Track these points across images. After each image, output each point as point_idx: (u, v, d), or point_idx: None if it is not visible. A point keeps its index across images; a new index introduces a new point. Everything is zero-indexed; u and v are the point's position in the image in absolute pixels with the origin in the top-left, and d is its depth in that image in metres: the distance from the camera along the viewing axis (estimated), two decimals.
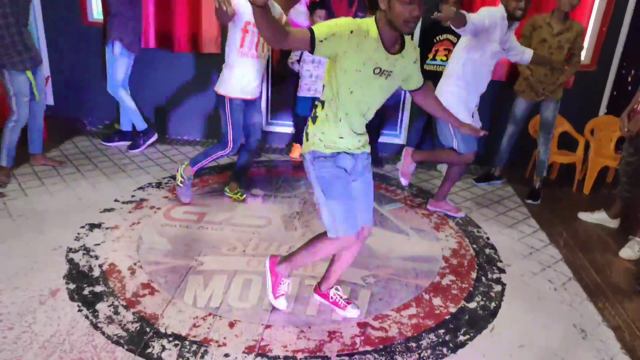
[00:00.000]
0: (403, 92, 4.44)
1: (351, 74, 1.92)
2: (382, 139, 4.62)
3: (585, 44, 4.25)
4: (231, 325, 2.32)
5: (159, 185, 3.78)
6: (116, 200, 3.47)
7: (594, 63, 4.32)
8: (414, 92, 2.25)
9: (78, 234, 3.02)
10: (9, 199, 3.40)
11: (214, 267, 2.76)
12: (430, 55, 4.05)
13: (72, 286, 2.52)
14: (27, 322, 2.24)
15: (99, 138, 4.63)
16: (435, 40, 4.00)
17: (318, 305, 2.50)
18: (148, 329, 2.25)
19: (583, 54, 4.26)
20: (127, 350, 2.12)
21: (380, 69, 1.94)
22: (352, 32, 1.85)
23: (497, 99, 4.33)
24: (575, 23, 3.68)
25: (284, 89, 4.60)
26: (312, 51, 1.83)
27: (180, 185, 3.42)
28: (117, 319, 2.30)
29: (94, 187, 3.69)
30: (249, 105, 3.31)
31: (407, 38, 2.02)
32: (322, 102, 2.07)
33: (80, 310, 2.34)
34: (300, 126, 4.53)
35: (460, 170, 3.46)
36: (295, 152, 4.53)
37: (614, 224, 3.58)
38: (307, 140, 2.13)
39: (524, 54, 3.34)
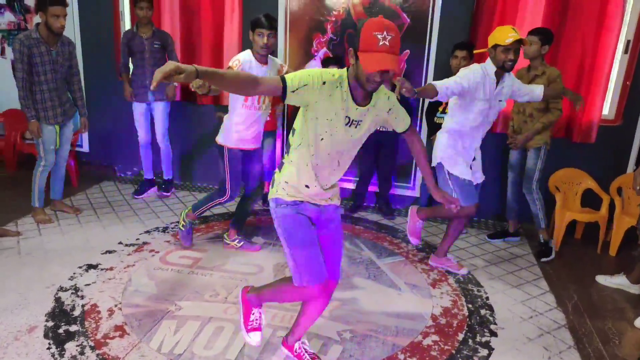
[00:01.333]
0: None
1: (322, 123, 1.93)
2: (395, 191, 4.54)
3: (609, 97, 4.07)
4: None
5: (165, 229, 3.89)
6: (120, 243, 3.60)
7: (618, 117, 4.09)
8: (403, 134, 2.21)
9: (74, 273, 3.13)
10: (23, 237, 3.62)
11: (191, 313, 2.75)
12: (441, 108, 4.00)
13: (50, 324, 2.60)
14: None
15: (124, 182, 4.88)
16: None
17: (284, 358, 2.42)
18: None
19: (606, 107, 4.08)
20: None
21: (350, 119, 1.95)
22: (324, 83, 1.88)
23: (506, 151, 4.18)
24: (549, 69, 3.55)
25: None
26: (282, 100, 1.87)
27: (182, 229, 3.51)
28: (79, 359, 2.33)
29: (105, 229, 3.85)
30: (248, 154, 3.39)
31: (381, 87, 2.01)
32: (289, 149, 2.07)
33: (49, 348, 2.40)
34: None
35: (460, 225, 3.32)
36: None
37: (635, 289, 3.26)
38: (273, 187, 2.13)
39: (534, 92, 3.25)
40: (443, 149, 3.20)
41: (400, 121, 2.13)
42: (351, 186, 4.59)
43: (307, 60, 4.43)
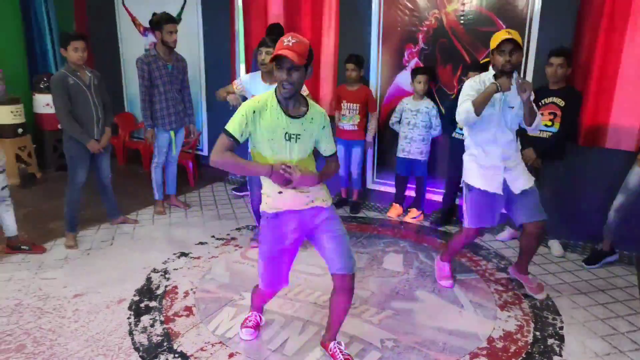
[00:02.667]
0: None
1: (266, 144, 2.14)
2: None
3: None
4: (230, 355, 2.50)
5: (254, 227, 4.22)
6: (212, 236, 4.02)
7: None
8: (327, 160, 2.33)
9: (168, 258, 3.60)
10: (139, 225, 4.24)
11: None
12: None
13: (136, 298, 3.04)
14: (89, 319, 2.80)
15: (232, 183, 5.39)
16: (540, 104, 3.68)
17: (320, 356, 2.51)
18: (165, 344, 2.59)
19: None
20: (140, 357, 2.48)
21: (289, 134, 2.13)
22: (254, 111, 2.10)
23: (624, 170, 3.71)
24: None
25: (389, 149, 4.70)
26: (239, 144, 2.12)
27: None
28: (149, 330, 2.70)
29: (204, 224, 4.32)
30: None
31: (312, 103, 2.19)
32: None
33: (128, 318, 2.82)
34: (398, 186, 4.55)
35: (529, 240, 3.07)
36: (393, 212, 4.54)
37: None
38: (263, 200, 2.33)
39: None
40: (469, 170, 3.01)
41: (328, 144, 2.28)
42: (439, 198, 4.47)
43: (398, 72, 4.46)
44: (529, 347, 2.64)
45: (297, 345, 2.60)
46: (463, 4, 4.03)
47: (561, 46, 3.53)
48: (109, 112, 3.84)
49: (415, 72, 4.20)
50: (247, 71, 4.97)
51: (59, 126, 5.42)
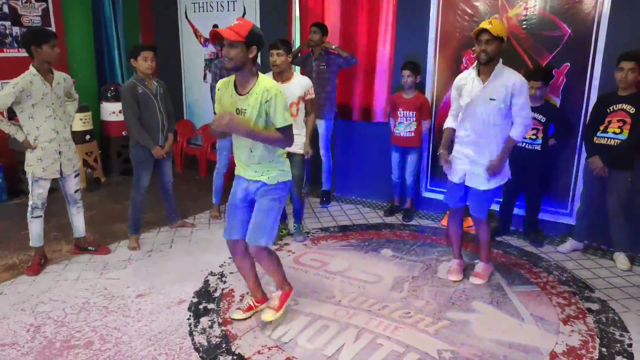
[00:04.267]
0: (576, 161, 3.95)
1: None
2: (548, 217, 4.15)
3: None
4: None
5: (307, 233, 4.26)
6: None
7: None
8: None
9: (224, 262, 3.70)
10: (197, 229, 4.38)
11: (305, 309, 3.02)
12: (602, 127, 3.55)
13: (195, 300, 3.14)
14: (152, 319, 2.92)
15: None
16: (608, 111, 3.52)
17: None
18: (224, 345, 2.66)
19: None
20: (200, 357, 2.56)
21: (238, 109, 2.47)
22: (219, 89, 2.58)
23: None
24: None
25: None
26: None
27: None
28: (208, 332, 2.79)
29: None
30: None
31: (262, 80, 2.46)
32: None
33: (188, 319, 2.92)
34: None
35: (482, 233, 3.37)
36: (446, 220, 4.46)
37: None
38: None
39: (516, 124, 3.03)
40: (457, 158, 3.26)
41: (275, 118, 2.46)
42: (496, 207, 4.34)
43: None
44: None
45: (353, 352, 2.60)
46: (526, 8, 3.92)
47: (632, 50, 3.36)
48: (172, 120, 4.00)
49: None
50: None
51: (124, 133, 5.75)
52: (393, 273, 3.51)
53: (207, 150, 5.98)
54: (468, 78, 3.13)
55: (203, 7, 5.99)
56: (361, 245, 4.01)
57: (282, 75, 3.65)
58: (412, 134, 4.40)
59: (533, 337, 2.75)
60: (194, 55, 6.25)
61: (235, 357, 2.56)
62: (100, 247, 3.86)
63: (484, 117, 3.04)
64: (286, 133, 2.51)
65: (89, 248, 3.81)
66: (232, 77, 2.53)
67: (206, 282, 3.39)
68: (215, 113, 2.73)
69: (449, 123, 3.33)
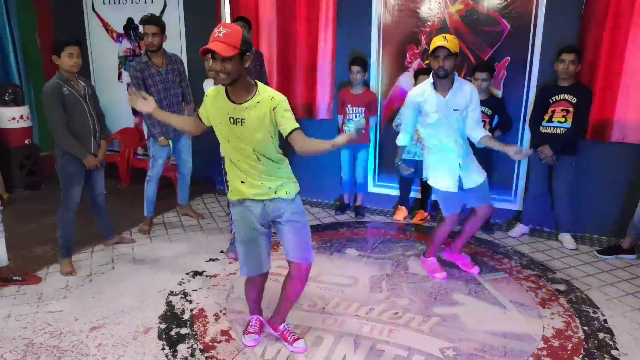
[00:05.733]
0: None
1: (218, 128, 2.28)
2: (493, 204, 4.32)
3: None
4: None
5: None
6: (221, 252, 3.77)
7: None
8: (290, 140, 2.24)
9: (182, 279, 3.33)
10: (137, 244, 3.91)
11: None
12: (547, 117, 3.76)
13: (163, 326, 2.77)
14: (118, 354, 2.51)
15: (223, 195, 5.13)
16: (551, 101, 3.73)
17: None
18: None
19: None
20: None
21: (233, 118, 2.20)
22: (207, 96, 2.30)
23: (631, 163, 3.84)
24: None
25: (391, 151, 4.63)
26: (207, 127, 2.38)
27: None
28: None
29: (207, 238, 4.06)
30: None
31: (263, 89, 2.21)
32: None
33: (162, 349, 2.56)
34: (404, 188, 4.50)
35: (473, 226, 3.32)
36: (400, 214, 4.48)
37: None
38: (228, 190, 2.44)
39: (475, 131, 3.09)
40: (426, 165, 3.25)
41: (284, 125, 2.19)
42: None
43: (401, 72, 4.41)
44: (584, 343, 2.64)
45: None
46: (467, 5, 4.03)
47: (571, 43, 3.60)
48: (103, 124, 3.52)
49: (418, 74, 4.15)
50: None
51: (27, 141, 5.01)
52: (366, 273, 3.41)
53: (130, 156, 5.41)
54: (425, 95, 3.09)
55: None
56: (323, 247, 3.86)
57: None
58: (362, 131, 4.33)
59: (521, 324, 2.81)
60: (104, 53, 5.62)
61: None
62: (28, 275, 3.28)
63: (453, 125, 3.09)
64: (301, 137, 2.21)
65: (15, 278, 3.21)
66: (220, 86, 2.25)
67: (169, 303, 3.02)
68: (199, 116, 2.39)
69: (404, 141, 3.31)
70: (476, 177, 3.16)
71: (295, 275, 2.44)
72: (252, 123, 2.19)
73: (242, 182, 2.30)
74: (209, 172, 5.45)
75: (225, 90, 2.21)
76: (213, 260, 3.63)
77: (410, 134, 3.32)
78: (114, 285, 3.25)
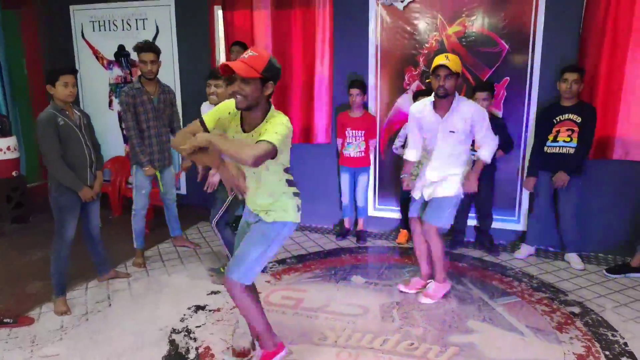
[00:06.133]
0: (519, 172, 4.13)
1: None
2: (497, 225, 4.27)
3: None
4: None
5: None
6: (223, 284, 3.62)
7: None
8: None
9: (184, 315, 3.18)
10: (134, 279, 3.75)
11: (303, 358, 2.67)
12: (551, 137, 3.73)
13: None
14: None
15: None
16: (555, 121, 3.72)
17: None
18: None
19: None
20: None
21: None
22: (229, 113, 2.19)
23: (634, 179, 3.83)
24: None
25: (390, 174, 4.57)
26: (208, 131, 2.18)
27: None
28: None
29: (207, 271, 3.91)
30: None
31: (271, 115, 2.10)
32: None
33: None
34: (405, 211, 4.42)
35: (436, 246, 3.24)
36: (402, 238, 4.39)
37: None
38: None
39: (483, 149, 3.14)
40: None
41: (263, 134, 2.05)
42: None
43: (399, 94, 4.37)
44: None
45: None
46: (464, 26, 4.03)
47: (573, 63, 3.60)
48: (99, 155, 3.40)
49: (417, 95, 4.11)
50: None
51: (14, 173, 4.84)
52: (375, 302, 3.30)
53: (121, 185, 5.27)
54: (424, 111, 3.14)
55: (105, 25, 5.31)
56: (328, 275, 3.75)
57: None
58: (363, 154, 4.28)
59: (541, 351, 2.72)
60: (95, 80, 5.50)
61: None
62: (20, 317, 3.10)
63: (444, 148, 3.11)
64: (260, 146, 1.98)
65: (5, 321, 3.03)
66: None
67: (172, 342, 2.86)
68: (204, 122, 2.21)
69: (411, 157, 3.35)
70: (441, 190, 3.13)
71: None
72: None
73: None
74: (203, 199, 5.32)
75: (241, 114, 2.15)
76: (215, 293, 3.49)
77: (417, 149, 3.29)
78: (112, 324, 3.08)
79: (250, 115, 2.10)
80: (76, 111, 3.23)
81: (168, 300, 3.37)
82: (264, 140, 1.99)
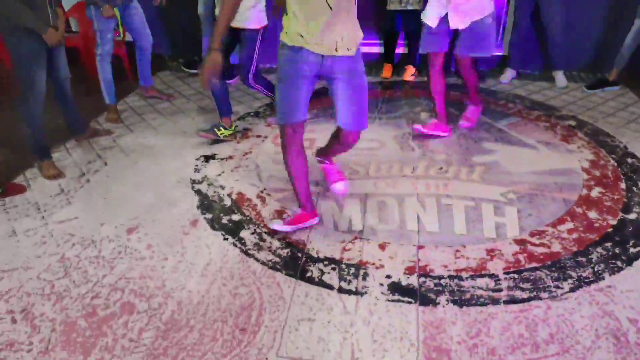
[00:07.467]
0: None
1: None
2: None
3: None
4: (382, 247, 2.23)
5: (257, 114, 3.66)
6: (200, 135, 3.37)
7: None
8: None
9: (196, 166, 2.97)
10: (117, 135, 3.38)
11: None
12: None
13: (209, 216, 2.48)
14: (179, 252, 2.23)
15: (179, 71, 4.54)
16: None
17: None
18: (299, 254, 2.20)
19: None
20: (286, 275, 2.07)
21: None
22: None
23: None
24: None
25: (369, 6, 4.25)
26: None
27: None
28: (265, 246, 2.25)
29: (194, 120, 3.61)
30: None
31: None
32: None
33: (225, 239, 2.31)
34: (389, 43, 4.24)
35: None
36: (387, 72, 4.27)
37: None
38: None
39: None
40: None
41: None
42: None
43: None
44: (618, 167, 2.81)
45: (435, 220, 2.41)
46: None
47: None
48: None
49: None
50: None
51: None
52: (387, 134, 3.28)
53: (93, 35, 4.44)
54: None
55: None
56: (326, 114, 3.61)
57: None
58: None
59: (558, 161, 2.91)
60: None
61: (326, 263, 2.15)
62: (10, 184, 2.72)
63: None
64: None
65: None
66: None
67: (199, 192, 2.69)
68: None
69: None
70: (463, 21, 2.82)
71: (345, 142, 2.30)
72: None
73: (301, 35, 1.92)
74: (157, 47, 4.71)
75: None
76: (217, 142, 3.25)
77: None
78: (119, 182, 2.82)
79: None
80: None
81: (169, 154, 3.11)
82: None
